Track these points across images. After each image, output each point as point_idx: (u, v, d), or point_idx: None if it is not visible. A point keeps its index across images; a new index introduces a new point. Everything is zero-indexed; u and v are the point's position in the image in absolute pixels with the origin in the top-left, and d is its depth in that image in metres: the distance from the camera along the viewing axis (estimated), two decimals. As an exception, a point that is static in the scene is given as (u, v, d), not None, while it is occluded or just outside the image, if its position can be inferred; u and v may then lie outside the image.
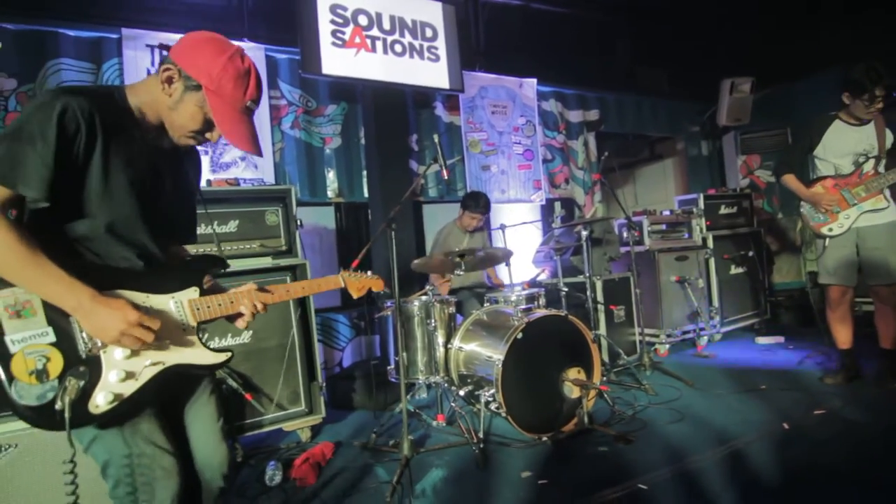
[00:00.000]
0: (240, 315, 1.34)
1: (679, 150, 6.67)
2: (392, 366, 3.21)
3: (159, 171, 1.25)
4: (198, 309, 1.26)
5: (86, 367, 1.10)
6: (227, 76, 1.17)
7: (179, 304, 1.24)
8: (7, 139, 1.04)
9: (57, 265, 1.04)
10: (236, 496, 2.28)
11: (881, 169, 2.92)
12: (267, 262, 2.87)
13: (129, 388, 1.13)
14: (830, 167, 3.05)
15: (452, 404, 2.78)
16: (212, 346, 1.28)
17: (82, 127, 1.06)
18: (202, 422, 1.35)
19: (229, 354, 1.30)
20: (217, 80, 1.16)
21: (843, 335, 3.12)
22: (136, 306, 1.12)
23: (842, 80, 2.94)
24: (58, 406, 1.06)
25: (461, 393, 2.84)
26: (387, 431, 2.87)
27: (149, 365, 1.16)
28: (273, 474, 2.33)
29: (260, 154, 1.30)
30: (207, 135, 1.24)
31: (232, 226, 2.81)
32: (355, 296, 1.64)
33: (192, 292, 1.26)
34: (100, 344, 1.11)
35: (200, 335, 1.28)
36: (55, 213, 1.09)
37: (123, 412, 1.13)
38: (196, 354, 1.25)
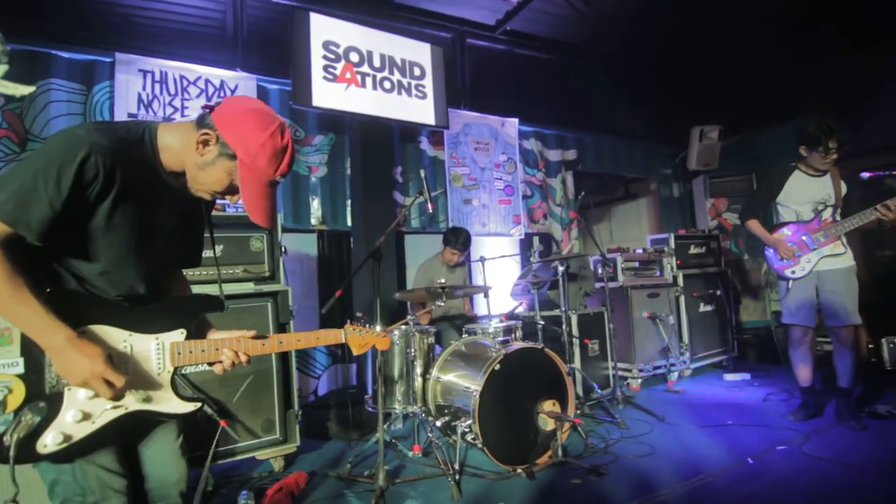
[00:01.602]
0: (219, 361, 1.32)
1: (652, 191, 6.96)
2: (369, 395, 3.22)
3: (169, 212, 1.26)
4: (178, 353, 1.25)
5: (45, 404, 1.09)
6: (263, 153, 1.17)
7: (161, 346, 1.23)
8: (23, 172, 1.04)
9: (40, 300, 1.05)
10: (206, 526, 2.24)
11: (838, 217, 3.13)
12: (249, 287, 2.88)
13: (81, 431, 1.12)
14: (792, 213, 3.25)
15: (429, 435, 2.79)
16: (187, 371, 1.27)
17: (100, 176, 1.08)
18: (161, 440, 1.33)
19: (199, 404, 1.29)
20: (253, 154, 1.16)
21: (804, 373, 3.27)
22: (111, 356, 1.12)
23: (798, 135, 3.19)
24: (6, 440, 1.04)
25: (438, 423, 2.86)
26: (362, 462, 2.85)
27: (109, 408, 1.15)
28: (246, 503, 2.29)
29: (274, 227, 1.31)
30: (228, 197, 1.26)
31: (216, 250, 2.82)
32: (356, 353, 1.59)
33: (178, 334, 1.26)
34: (65, 381, 1.11)
35: (175, 380, 1.26)
36: (50, 247, 1.10)
37: (72, 453, 1.12)
38: (163, 402, 1.23)
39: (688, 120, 6.12)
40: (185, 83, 3.80)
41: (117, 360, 1.15)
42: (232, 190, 1.23)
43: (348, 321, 1.61)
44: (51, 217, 1.04)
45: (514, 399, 2.74)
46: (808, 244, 3.14)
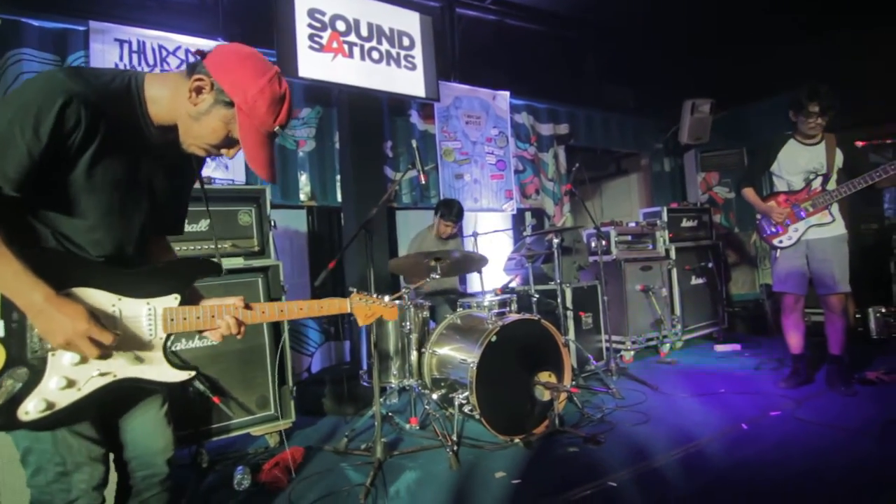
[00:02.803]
0: (214, 328, 1.25)
1: (643, 166, 6.93)
2: (364, 370, 3.19)
3: (156, 170, 1.20)
4: (172, 319, 1.18)
5: (27, 369, 1.04)
6: (262, 98, 1.10)
7: (153, 311, 1.16)
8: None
9: (18, 257, 0.98)
10: (204, 503, 2.21)
11: (828, 186, 3.13)
12: (239, 262, 2.81)
13: (65, 398, 1.06)
14: (784, 184, 3.25)
15: (426, 407, 2.78)
16: (178, 348, 1.21)
17: (83, 124, 1.00)
18: (145, 410, 1.27)
19: (192, 373, 1.21)
20: (252, 101, 1.10)
21: (795, 341, 3.30)
22: (95, 315, 1.05)
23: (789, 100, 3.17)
24: None
25: (434, 396, 2.84)
26: (358, 436, 2.83)
27: (96, 375, 1.09)
28: (242, 479, 2.27)
29: (274, 181, 1.25)
30: (223, 151, 1.19)
31: (203, 224, 2.75)
32: (362, 323, 1.53)
33: (172, 300, 1.19)
34: (49, 346, 1.05)
35: (167, 347, 1.19)
36: (31, 200, 1.04)
37: (55, 421, 1.06)
38: (154, 370, 1.16)
39: (679, 94, 6.07)
40: (165, 53, 3.64)
41: (105, 320, 1.08)
42: (229, 142, 1.16)
43: (353, 290, 1.55)
44: (29, 166, 0.97)
45: (510, 370, 2.72)
46: (796, 213, 3.15)
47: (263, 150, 1.15)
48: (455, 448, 2.47)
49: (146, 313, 1.16)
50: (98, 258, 1.14)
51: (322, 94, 4.24)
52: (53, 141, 0.98)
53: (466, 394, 2.60)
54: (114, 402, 1.20)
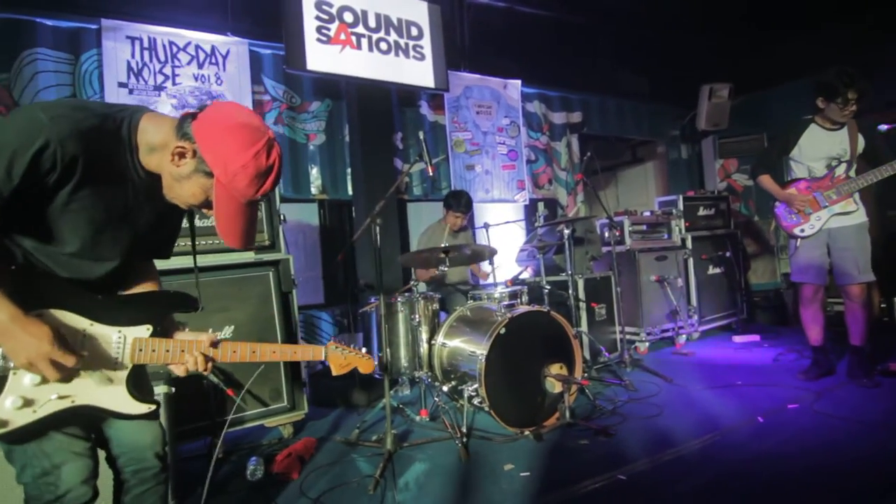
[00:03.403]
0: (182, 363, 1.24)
1: (660, 154, 6.79)
2: (375, 362, 3.21)
3: (142, 206, 1.19)
4: (140, 350, 1.17)
5: None
6: (244, 174, 1.08)
7: (122, 339, 1.16)
8: None
9: None
10: (218, 492, 2.25)
11: (852, 173, 3.02)
12: (249, 256, 2.84)
13: (21, 419, 1.06)
14: (804, 170, 3.14)
15: (436, 399, 2.78)
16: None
17: (58, 167, 1.00)
18: None
19: (153, 407, 1.22)
20: (232, 175, 1.07)
21: (814, 332, 3.21)
22: (61, 337, 1.05)
23: (814, 86, 3.04)
24: None
25: (444, 388, 2.85)
26: (370, 428, 2.85)
27: (54, 398, 1.09)
28: (255, 469, 2.31)
29: (251, 247, 1.23)
30: (204, 210, 1.17)
31: (213, 219, 2.77)
32: (336, 373, 1.51)
33: (143, 330, 1.19)
34: (11, 364, 1.05)
35: (132, 379, 1.19)
36: (6, 226, 1.05)
37: (13, 440, 1.07)
38: (114, 399, 1.16)
39: (696, 79, 5.91)
40: (175, 49, 3.67)
41: (71, 343, 1.08)
42: (208, 205, 1.15)
43: (332, 339, 1.56)
44: None
45: (520, 362, 2.71)
46: (819, 201, 3.04)
47: (239, 219, 1.13)
48: (464, 440, 2.48)
49: (115, 341, 1.16)
50: (75, 282, 1.14)
51: (331, 87, 4.24)
52: (25, 182, 0.98)
53: (476, 386, 2.60)
54: (85, 419, 1.19)
